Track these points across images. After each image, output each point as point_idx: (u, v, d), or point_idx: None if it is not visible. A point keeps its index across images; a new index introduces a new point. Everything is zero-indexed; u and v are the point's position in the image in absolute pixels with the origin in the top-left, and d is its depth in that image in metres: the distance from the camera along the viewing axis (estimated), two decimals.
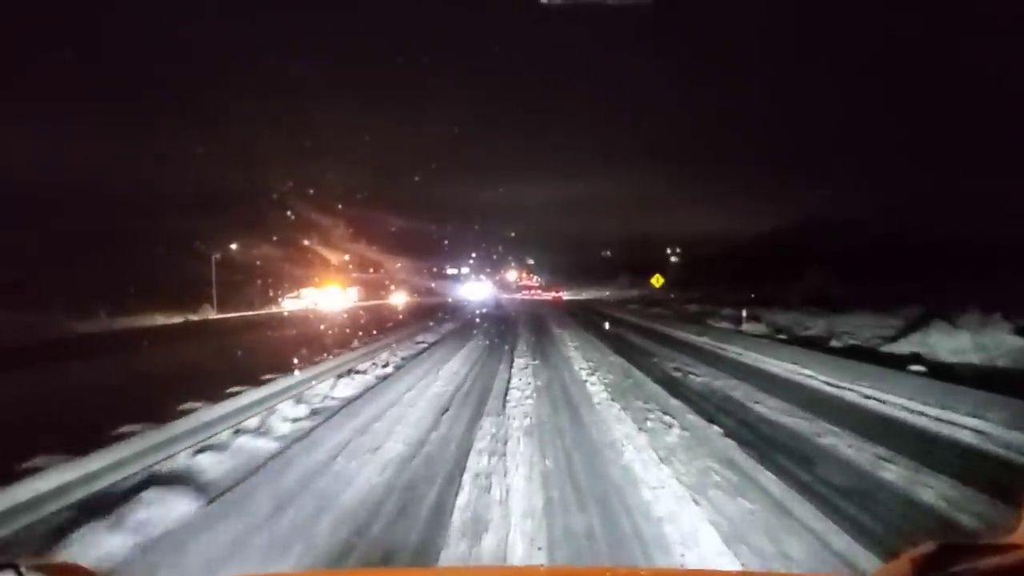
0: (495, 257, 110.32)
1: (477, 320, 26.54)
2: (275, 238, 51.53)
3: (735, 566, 3.72)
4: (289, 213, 55.22)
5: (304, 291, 44.17)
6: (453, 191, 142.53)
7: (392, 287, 59.75)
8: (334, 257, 66.30)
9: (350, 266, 65.13)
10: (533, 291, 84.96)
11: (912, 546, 1.16)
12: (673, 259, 48.83)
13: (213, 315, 37.27)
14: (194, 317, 35.14)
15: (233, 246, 38.52)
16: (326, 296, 43.20)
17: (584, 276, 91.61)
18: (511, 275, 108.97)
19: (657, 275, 30.11)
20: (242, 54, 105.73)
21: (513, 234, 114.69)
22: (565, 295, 67.29)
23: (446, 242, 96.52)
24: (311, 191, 58.76)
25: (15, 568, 1.16)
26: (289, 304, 41.55)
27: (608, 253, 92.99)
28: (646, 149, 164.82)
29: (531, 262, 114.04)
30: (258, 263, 45.79)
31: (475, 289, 74.81)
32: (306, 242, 59.00)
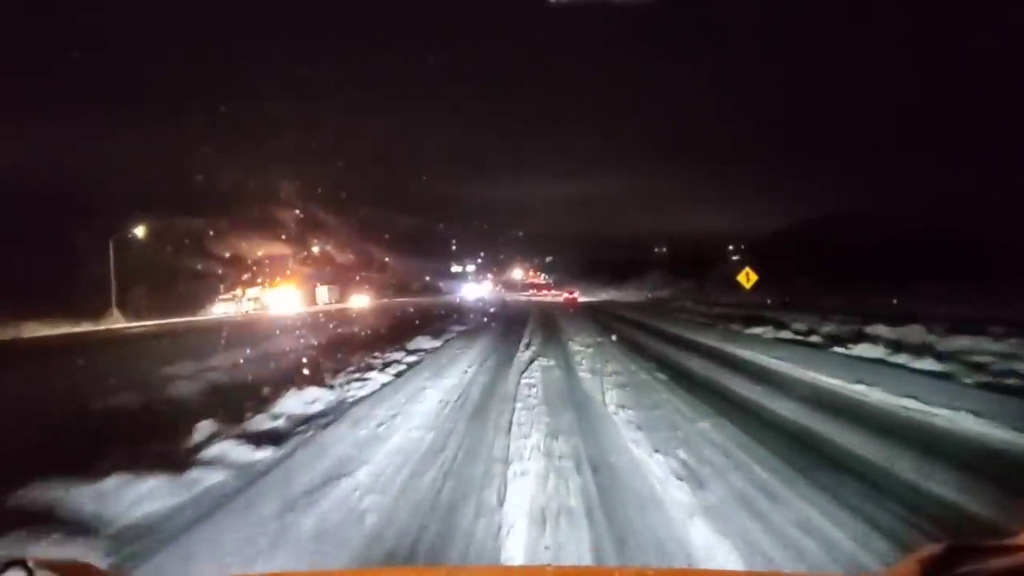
0: (502, 256, 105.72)
1: (452, 361, 13.27)
2: (276, 236, 43.64)
3: None
4: (297, 212, 47.32)
5: (250, 291, 33.86)
6: (459, 191, 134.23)
7: (368, 287, 49.83)
8: (331, 256, 58.69)
9: (330, 264, 56.90)
10: (541, 291, 77.46)
11: (920, 547, 1.10)
12: (735, 257, 38.52)
13: (114, 324, 27.48)
14: (79, 328, 25.85)
15: (138, 231, 28.11)
16: (278, 298, 33.17)
17: (594, 275, 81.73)
18: (517, 273, 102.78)
19: (747, 270, 19.64)
20: (247, 54, 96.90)
21: (521, 233, 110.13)
22: (580, 296, 56.59)
23: (453, 241, 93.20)
24: (312, 188, 51.47)
25: (23, 565, 1.10)
26: (220, 308, 31.34)
27: (664, 249, 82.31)
28: (654, 146, 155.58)
29: (549, 259, 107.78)
30: (230, 260, 36.88)
31: (476, 289, 68.30)
32: (312, 241, 51.02)
